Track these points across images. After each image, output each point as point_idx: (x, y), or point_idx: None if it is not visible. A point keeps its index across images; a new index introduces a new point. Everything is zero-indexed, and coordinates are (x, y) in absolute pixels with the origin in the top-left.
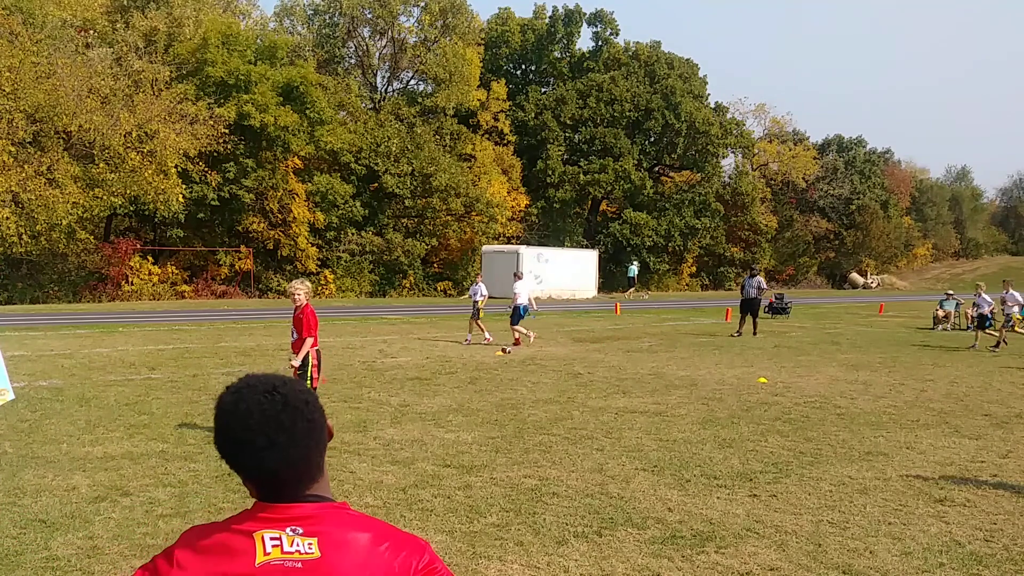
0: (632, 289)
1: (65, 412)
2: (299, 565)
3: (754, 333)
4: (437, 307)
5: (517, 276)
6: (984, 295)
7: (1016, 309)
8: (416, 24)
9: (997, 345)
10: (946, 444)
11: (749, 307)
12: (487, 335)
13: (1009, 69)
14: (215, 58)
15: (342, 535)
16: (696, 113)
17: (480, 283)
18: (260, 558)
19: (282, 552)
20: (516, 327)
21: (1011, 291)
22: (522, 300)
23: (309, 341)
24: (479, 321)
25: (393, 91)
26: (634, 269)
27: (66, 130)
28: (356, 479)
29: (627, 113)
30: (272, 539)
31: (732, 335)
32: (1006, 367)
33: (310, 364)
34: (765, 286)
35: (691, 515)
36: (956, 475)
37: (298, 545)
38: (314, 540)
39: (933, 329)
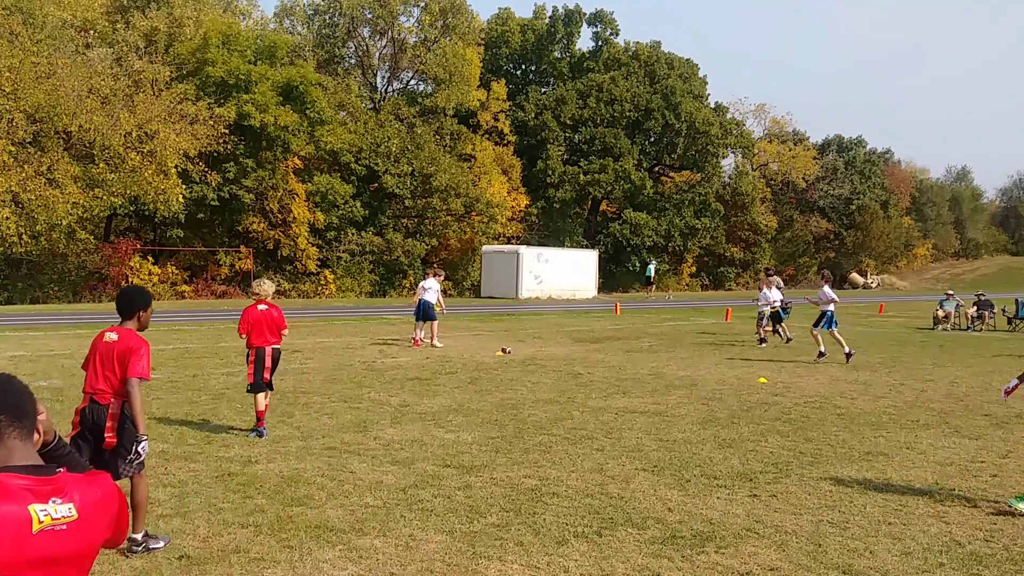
0: (653, 288)
1: (65, 412)
2: (64, 527)
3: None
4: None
5: (427, 275)
6: (770, 290)
7: (768, 306)
8: (416, 24)
9: (763, 341)
10: (946, 444)
11: None
12: (419, 334)
13: (1009, 69)
14: (215, 58)
15: (84, 495)
16: (696, 113)
17: (431, 279)
18: (36, 526)
19: (52, 519)
20: (430, 323)
21: (764, 290)
22: (428, 297)
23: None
24: (420, 322)
25: (393, 91)
26: (652, 268)
27: (66, 130)
28: (356, 479)
29: (627, 113)
30: (42, 510)
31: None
32: (1006, 367)
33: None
34: (782, 285)
35: (691, 515)
36: (956, 475)
37: (61, 512)
38: (71, 504)
39: (933, 329)
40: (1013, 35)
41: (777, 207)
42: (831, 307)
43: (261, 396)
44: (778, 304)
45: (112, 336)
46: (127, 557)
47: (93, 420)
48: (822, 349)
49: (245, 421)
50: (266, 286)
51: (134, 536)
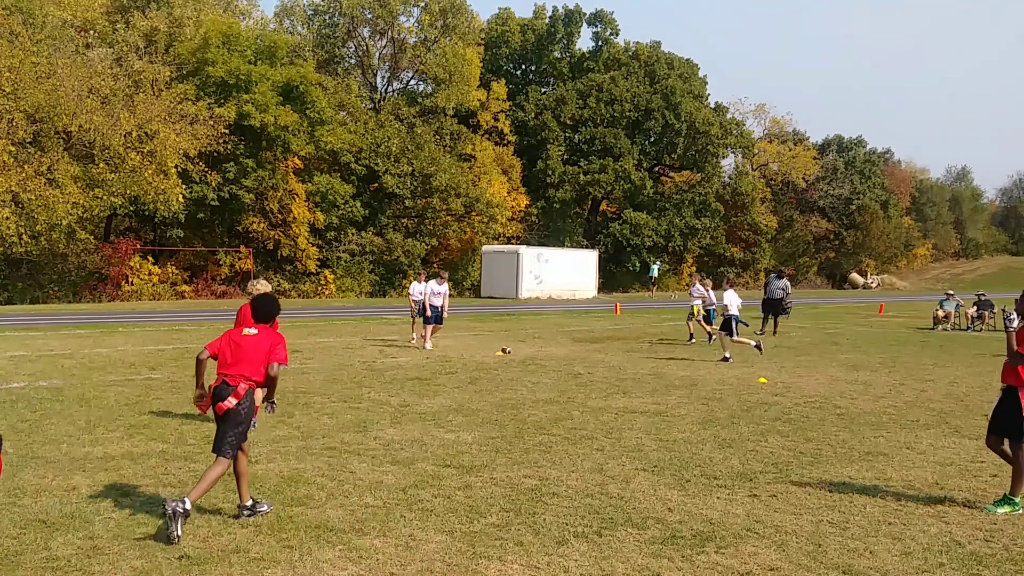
0: (655, 288)
1: (65, 412)
2: None
3: (774, 333)
4: None
5: (420, 277)
6: (706, 289)
7: (699, 303)
8: (416, 24)
9: (709, 338)
10: (946, 444)
11: (773, 307)
12: (414, 335)
13: (1009, 69)
14: (215, 58)
15: None
16: (696, 113)
17: (422, 282)
18: None
19: None
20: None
21: (697, 285)
22: (436, 302)
23: None
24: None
25: (393, 91)
26: (656, 269)
27: (66, 130)
28: (356, 479)
29: (627, 113)
30: None
31: (755, 333)
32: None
33: None
34: (791, 289)
35: (691, 515)
36: (956, 475)
37: None
38: None
39: (933, 329)
40: (1013, 35)
41: (777, 207)
42: (735, 311)
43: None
44: (710, 304)
45: (252, 331)
46: (135, 554)
47: (217, 396)
48: (756, 343)
49: None
50: (259, 285)
51: (244, 504)
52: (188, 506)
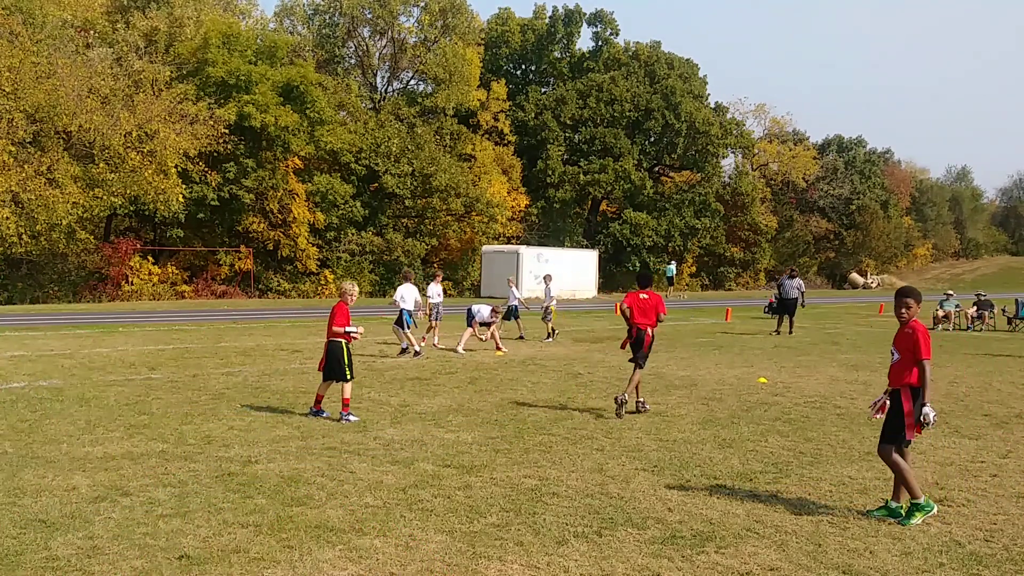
0: (672, 288)
1: (65, 412)
2: None
3: (790, 332)
4: None
5: (405, 278)
6: (514, 289)
7: (554, 302)
8: (416, 24)
9: (549, 336)
10: (946, 444)
11: (788, 307)
12: (417, 344)
13: (1009, 69)
14: (215, 58)
15: None
16: (696, 113)
17: (438, 283)
18: None
19: None
20: (405, 332)
21: (512, 288)
22: (406, 305)
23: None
24: (410, 329)
25: (393, 91)
26: (672, 269)
27: (66, 130)
28: (356, 479)
29: (627, 113)
30: None
31: (770, 333)
32: (1006, 367)
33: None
34: (804, 288)
35: (691, 515)
36: (956, 475)
37: None
38: None
39: (933, 329)
40: (1013, 35)
41: (777, 207)
42: (409, 305)
43: (337, 384)
44: (513, 301)
45: (644, 296)
46: (135, 554)
47: (638, 338)
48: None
49: (245, 421)
50: (348, 286)
51: (641, 400)
52: (626, 397)
